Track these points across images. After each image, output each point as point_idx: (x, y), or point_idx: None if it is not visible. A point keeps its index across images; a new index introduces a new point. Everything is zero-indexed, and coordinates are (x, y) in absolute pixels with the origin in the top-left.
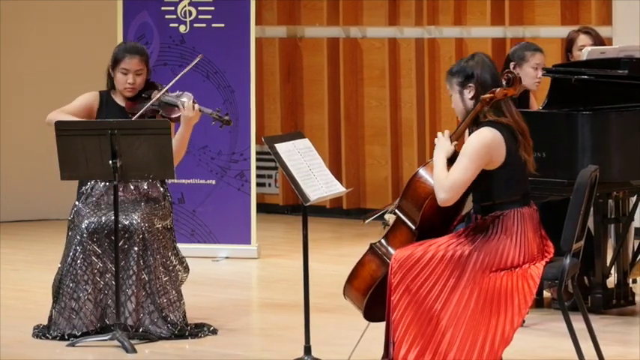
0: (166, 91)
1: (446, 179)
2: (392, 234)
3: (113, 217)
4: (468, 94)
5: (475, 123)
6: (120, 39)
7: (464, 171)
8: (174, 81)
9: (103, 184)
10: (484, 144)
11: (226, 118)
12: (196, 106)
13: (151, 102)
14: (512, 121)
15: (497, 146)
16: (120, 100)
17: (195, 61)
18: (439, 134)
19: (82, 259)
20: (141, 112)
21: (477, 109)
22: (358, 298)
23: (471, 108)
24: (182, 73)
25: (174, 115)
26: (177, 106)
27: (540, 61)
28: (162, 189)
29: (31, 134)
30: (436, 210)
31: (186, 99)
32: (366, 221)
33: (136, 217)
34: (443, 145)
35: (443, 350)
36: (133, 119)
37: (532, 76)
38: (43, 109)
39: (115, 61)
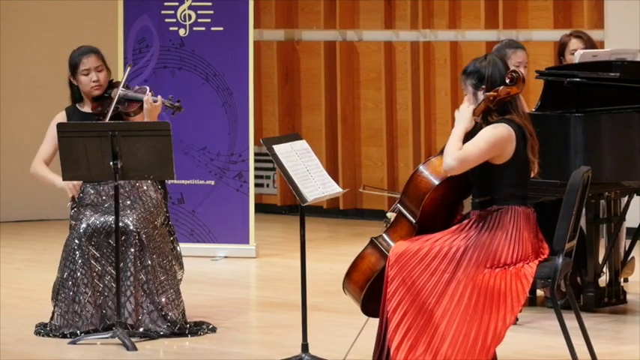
0: (126, 86)
1: (459, 150)
2: (393, 228)
3: (109, 219)
4: (481, 95)
5: (485, 121)
6: (120, 42)
7: (477, 150)
8: (125, 76)
9: (92, 187)
10: (501, 135)
11: (177, 104)
12: (159, 98)
13: (114, 100)
14: (521, 121)
15: (510, 142)
16: (87, 109)
17: (127, 71)
18: (462, 106)
19: (81, 264)
20: (110, 114)
21: (482, 108)
22: (356, 290)
23: None
24: (127, 72)
25: (131, 110)
26: (137, 100)
27: (522, 59)
28: (153, 183)
29: (32, 135)
30: (436, 204)
31: (146, 94)
32: (363, 190)
33: (131, 219)
34: (466, 117)
35: (436, 343)
36: (104, 122)
37: None
38: (44, 110)
39: (74, 67)
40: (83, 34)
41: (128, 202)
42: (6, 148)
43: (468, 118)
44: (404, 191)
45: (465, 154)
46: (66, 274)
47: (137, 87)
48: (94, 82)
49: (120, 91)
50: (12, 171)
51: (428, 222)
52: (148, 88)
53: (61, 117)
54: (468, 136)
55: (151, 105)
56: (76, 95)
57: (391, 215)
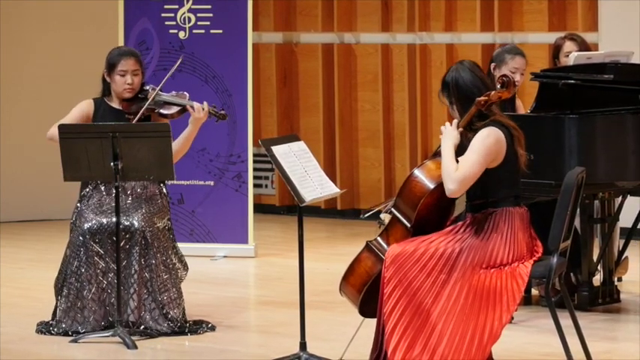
0: (160, 89)
1: (456, 172)
2: (388, 232)
3: (113, 218)
4: (456, 103)
5: (470, 129)
6: (121, 44)
7: (474, 165)
8: (165, 79)
9: (104, 186)
10: (493, 142)
11: (222, 112)
12: (205, 105)
13: (148, 102)
14: (503, 119)
15: (502, 145)
16: (115, 104)
17: (178, 62)
18: (447, 124)
19: (85, 260)
20: (141, 112)
21: (472, 112)
22: (354, 294)
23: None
24: (170, 73)
25: (170, 113)
26: (176, 105)
27: (519, 65)
28: (159, 187)
29: (34, 136)
30: (431, 209)
31: (194, 102)
32: (364, 215)
33: (136, 218)
34: (451, 134)
35: (433, 343)
36: (133, 122)
37: None
38: (44, 110)
39: (112, 66)
40: (83, 35)
41: (135, 203)
42: (9, 150)
43: (453, 135)
44: (399, 195)
45: (463, 174)
46: (69, 270)
47: (174, 92)
48: (127, 84)
49: (156, 93)
50: (12, 171)
51: (422, 224)
52: (187, 94)
53: (88, 104)
54: (457, 148)
55: (201, 113)
56: (106, 91)
57: (385, 217)
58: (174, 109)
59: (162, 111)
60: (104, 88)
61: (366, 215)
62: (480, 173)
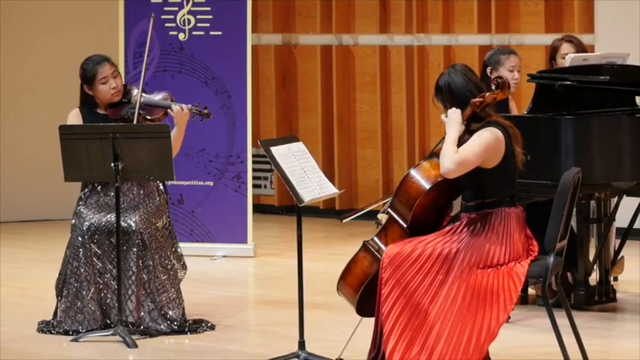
0: (143, 91)
1: (457, 153)
2: (384, 232)
3: (112, 219)
4: (450, 107)
5: (467, 130)
6: (121, 47)
7: (474, 154)
8: (142, 79)
9: (101, 186)
10: (493, 139)
11: (205, 111)
12: (185, 107)
13: (137, 106)
14: (499, 119)
15: (501, 145)
16: (101, 111)
17: (145, 57)
18: (450, 111)
19: (84, 260)
20: (135, 118)
21: (468, 113)
22: (351, 293)
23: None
24: (144, 67)
25: (155, 116)
26: (160, 107)
27: (515, 62)
28: (157, 185)
29: (34, 136)
30: (427, 209)
31: (168, 100)
32: (344, 221)
33: (134, 219)
34: (456, 120)
35: (430, 343)
36: (105, 124)
37: (509, 77)
38: (44, 111)
39: (91, 78)
40: (84, 36)
41: (132, 204)
42: (10, 150)
43: (459, 122)
44: (395, 195)
45: (463, 157)
46: (69, 270)
47: (157, 92)
48: (112, 88)
49: (140, 96)
50: (12, 171)
51: (419, 225)
52: (169, 93)
53: (77, 115)
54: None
55: (181, 115)
56: (89, 103)
57: (382, 217)
58: (158, 113)
59: (147, 117)
60: (84, 100)
61: (345, 221)
62: (477, 164)
